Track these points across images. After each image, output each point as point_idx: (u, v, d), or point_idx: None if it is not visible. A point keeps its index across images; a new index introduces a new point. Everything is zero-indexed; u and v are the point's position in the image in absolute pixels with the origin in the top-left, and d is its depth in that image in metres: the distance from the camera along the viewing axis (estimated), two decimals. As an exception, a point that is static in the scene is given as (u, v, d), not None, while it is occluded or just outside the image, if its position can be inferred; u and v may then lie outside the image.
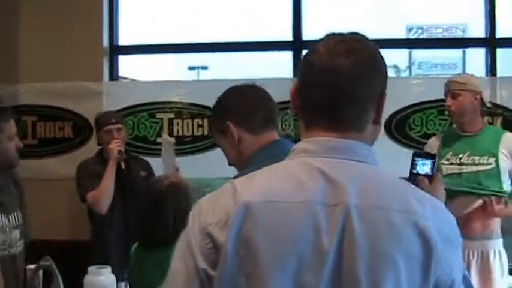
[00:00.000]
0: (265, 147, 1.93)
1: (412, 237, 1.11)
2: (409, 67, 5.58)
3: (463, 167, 3.30)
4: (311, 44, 1.28)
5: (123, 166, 3.78)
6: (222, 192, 1.20)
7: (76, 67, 4.43)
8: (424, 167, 1.65)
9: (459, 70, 4.75)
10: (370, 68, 1.22)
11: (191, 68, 6.14)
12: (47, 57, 4.46)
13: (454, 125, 3.55)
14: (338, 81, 1.19)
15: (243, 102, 2.00)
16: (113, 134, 3.76)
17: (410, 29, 4.88)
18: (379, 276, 1.08)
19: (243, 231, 1.11)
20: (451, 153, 3.36)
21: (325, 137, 1.21)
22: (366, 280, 1.08)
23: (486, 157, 3.26)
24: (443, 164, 3.35)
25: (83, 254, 3.70)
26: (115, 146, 3.70)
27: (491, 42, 4.43)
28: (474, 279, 3.19)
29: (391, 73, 6.53)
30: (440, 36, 4.78)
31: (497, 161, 3.25)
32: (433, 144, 3.52)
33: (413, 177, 1.65)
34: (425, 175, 1.65)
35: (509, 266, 3.33)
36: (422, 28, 4.83)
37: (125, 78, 5.44)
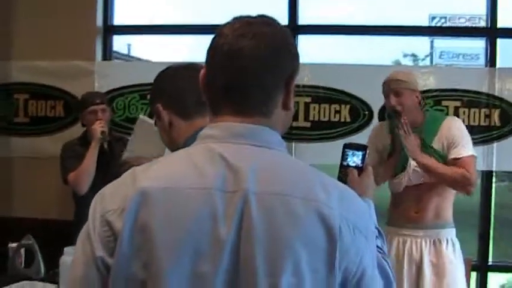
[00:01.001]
0: (196, 134, 1.79)
1: (314, 225, 1.07)
2: (431, 56, 5.49)
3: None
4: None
5: (105, 146, 3.76)
6: (123, 179, 1.17)
7: (69, 46, 4.40)
8: (354, 158, 1.59)
9: (481, 61, 4.65)
10: (277, 51, 1.18)
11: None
12: (40, 35, 4.43)
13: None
14: (241, 64, 1.16)
15: (172, 84, 1.84)
16: (98, 115, 3.74)
17: (433, 18, 4.79)
18: (278, 264, 1.05)
19: (140, 218, 1.08)
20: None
21: (230, 122, 1.18)
22: (264, 268, 1.05)
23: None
24: None
25: (71, 233, 3.70)
26: (98, 127, 3.68)
27: (491, 33, 4.33)
28: (427, 268, 3.19)
29: (408, 61, 6.47)
30: (463, 26, 4.69)
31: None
32: (380, 136, 3.47)
33: (343, 169, 1.59)
34: (356, 167, 1.58)
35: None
36: (445, 17, 4.74)
37: (139, 59, 5.41)
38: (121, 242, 1.08)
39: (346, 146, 1.61)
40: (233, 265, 1.06)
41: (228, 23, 1.21)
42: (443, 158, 3.21)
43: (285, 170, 1.15)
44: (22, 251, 3.12)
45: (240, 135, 1.16)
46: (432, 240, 3.23)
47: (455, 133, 3.24)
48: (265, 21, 1.21)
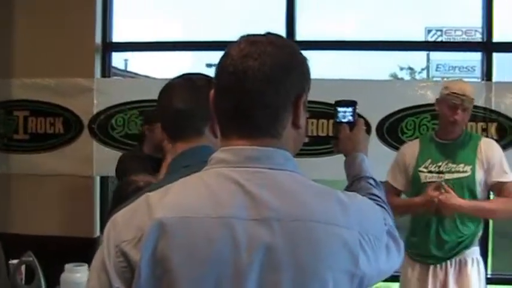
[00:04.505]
0: (176, 159, 1.67)
1: (336, 249, 1.08)
2: (427, 69, 5.52)
3: (441, 175, 3.23)
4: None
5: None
6: (137, 207, 1.13)
7: (68, 63, 4.42)
8: (346, 114, 1.63)
9: (477, 73, 4.66)
10: (283, 71, 1.14)
11: (208, 66, 6.13)
12: (40, 53, 4.45)
13: (432, 132, 3.46)
14: (246, 85, 1.12)
15: (163, 103, 1.73)
16: None
17: (429, 31, 4.82)
18: None
19: (158, 249, 1.05)
20: (429, 161, 3.28)
21: (240, 146, 1.14)
22: None
23: (462, 165, 3.20)
24: (421, 171, 3.29)
25: (71, 249, 3.69)
26: None
27: (487, 47, 4.38)
28: None
29: (404, 75, 6.45)
30: (459, 39, 4.71)
31: (473, 170, 3.18)
32: (409, 150, 3.42)
33: (337, 127, 1.63)
34: (348, 122, 1.62)
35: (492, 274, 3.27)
36: (441, 30, 4.77)
37: (137, 74, 5.43)
38: (139, 274, 1.05)
39: (337, 104, 1.65)
40: None
41: (234, 43, 1.17)
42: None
43: (303, 193, 1.12)
44: (22, 267, 3.10)
45: (252, 159, 1.13)
46: (457, 260, 3.19)
47: (497, 155, 3.22)
48: (271, 40, 1.17)
